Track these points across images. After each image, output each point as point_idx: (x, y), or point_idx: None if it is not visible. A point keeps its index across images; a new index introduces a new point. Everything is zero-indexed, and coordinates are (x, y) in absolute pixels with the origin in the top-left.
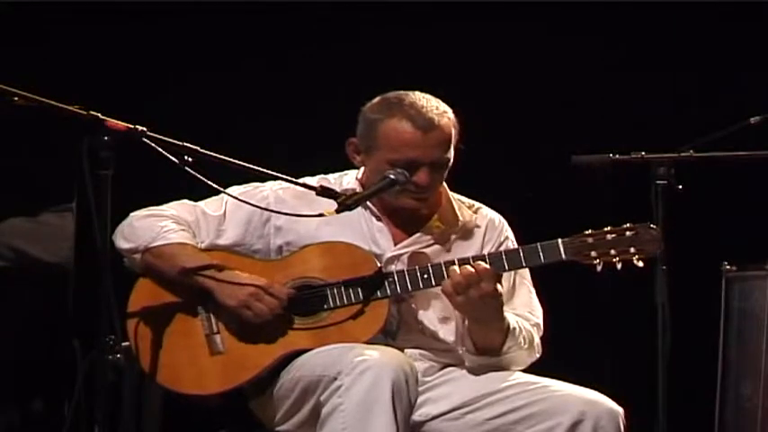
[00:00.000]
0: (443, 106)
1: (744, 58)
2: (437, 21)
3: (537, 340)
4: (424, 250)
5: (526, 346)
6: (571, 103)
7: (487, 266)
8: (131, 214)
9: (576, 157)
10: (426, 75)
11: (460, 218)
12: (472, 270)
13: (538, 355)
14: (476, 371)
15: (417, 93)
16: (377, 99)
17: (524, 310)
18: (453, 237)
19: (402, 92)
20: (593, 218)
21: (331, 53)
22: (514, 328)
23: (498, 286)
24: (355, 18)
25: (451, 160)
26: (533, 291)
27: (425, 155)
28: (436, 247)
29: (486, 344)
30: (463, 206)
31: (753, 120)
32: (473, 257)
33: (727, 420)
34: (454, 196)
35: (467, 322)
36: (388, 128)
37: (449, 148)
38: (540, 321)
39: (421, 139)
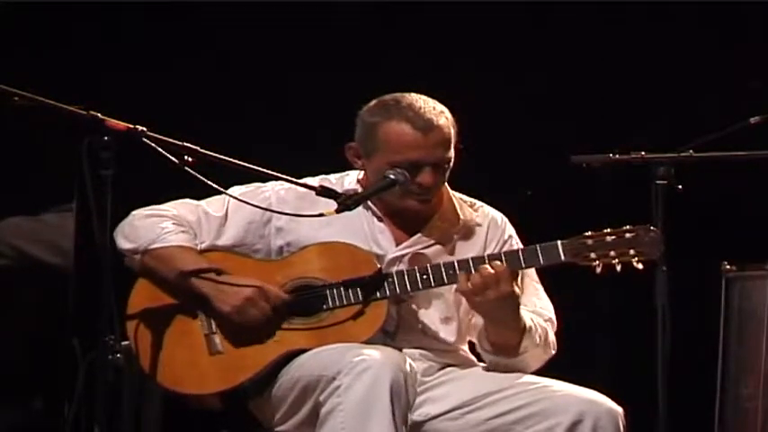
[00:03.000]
0: (440, 106)
1: (744, 57)
2: (437, 19)
3: (552, 337)
4: (426, 250)
5: (541, 343)
6: (571, 103)
7: (506, 267)
8: (133, 213)
9: (575, 157)
10: (427, 74)
11: (461, 216)
12: (491, 271)
13: (553, 352)
14: (494, 369)
15: (413, 94)
16: (373, 102)
17: (535, 306)
18: (455, 236)
19: (398, 94)
20: (592, 218)
21: (331, 54)
22: (530, 327)
23: (515, 287)
24: (354, 17)
25: (453, 160)
26: (540, 286)
27: (427, 155)
28: (438, 246)
29: (502, 343)
30: (464, 205)
31: (753, 120)
32: (472, 259)
33: (727, 420)
34: (455, 195)
35: (483, 322)
36: (387, 130)
37: (449, 147)
38: (553, 316)
39: (422, 140)
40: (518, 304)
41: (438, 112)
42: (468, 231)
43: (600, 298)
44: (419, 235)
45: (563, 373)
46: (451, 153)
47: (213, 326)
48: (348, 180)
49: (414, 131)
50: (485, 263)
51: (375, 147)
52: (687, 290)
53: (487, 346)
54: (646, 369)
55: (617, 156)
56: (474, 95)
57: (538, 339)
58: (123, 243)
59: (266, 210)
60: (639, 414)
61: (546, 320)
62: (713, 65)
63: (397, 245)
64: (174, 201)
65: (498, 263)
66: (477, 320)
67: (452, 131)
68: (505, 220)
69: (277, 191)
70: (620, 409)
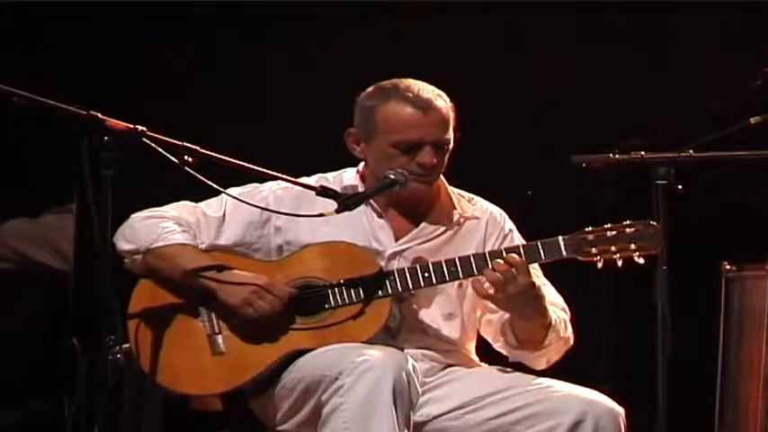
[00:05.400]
0: (438, 90)
1: (743, 57)
2: (438, 18)
3: (569, 327)
4: (426, 245)
5: (564, 335)
6: (571, 103)
7: (521, 259)
8: (132, 216)
9: (576, 157)
10: (426, 73)
11: (459, 211)
12: (506, 265)
13: (571, 343)
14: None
15: (410, 79)
16: (371, 88)
17: (546, 297)
18: (454, 230)
19: (395, 79)
20: (592, 217)
21: (327, 52)
22: (555, 321)
23: (534, 279)
24: (353, 15)
25: (452, 143)
26: (546, 280)
27: (427, 134)
28: (437, 241)
29: (528, 337)
30: (462, 199)
31: (753, 120)
32: (473, 255)
33: (727, 420)
34: (453, 190)
35: (510, 317)
36: (386, 111)
37: (448, 127)
38: (566, 306)
39: (421, 119)
40: (541, 296)
41: (436, 94)
42: (466, 225)
43: (600, 299)
44: (418, 229)
45: (563, 372)
46: (450, 135)
47: (215, 326)
48: (347, 176)
49: (413, 110)
50: (485, 259)
51: (375, 129)
52: (687, 289)
53: (513, 341)
54: (646, 369)
55: (617, 156)
56: (475, 94)
57: (561, 332)
58: (124, 245)
59: (268, 210)
60: (639, 414)
61: (561, 309)
62: (713, 64)
63: (397, 240)
64: (173, 203)
65: (515, 255)
66: (492, 316)
67: (451, 114)
68: (504, 214)
69: (274, 191)
70: (620, 410)
